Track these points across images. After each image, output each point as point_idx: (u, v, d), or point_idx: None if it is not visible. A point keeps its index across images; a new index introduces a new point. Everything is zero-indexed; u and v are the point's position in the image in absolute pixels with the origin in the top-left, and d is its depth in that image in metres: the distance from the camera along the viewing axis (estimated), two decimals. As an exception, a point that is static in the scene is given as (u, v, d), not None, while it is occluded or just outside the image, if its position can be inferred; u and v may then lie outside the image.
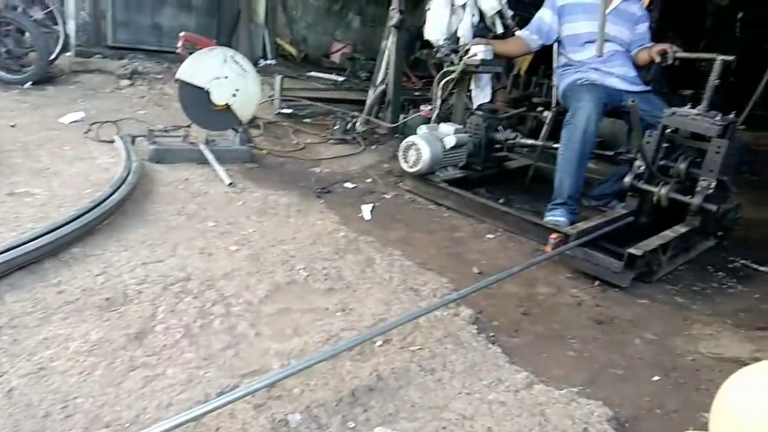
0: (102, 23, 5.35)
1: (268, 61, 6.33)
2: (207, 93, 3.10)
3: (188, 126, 3.27)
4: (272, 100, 4.50)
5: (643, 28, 3.20)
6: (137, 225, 2.30)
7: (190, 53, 3.14)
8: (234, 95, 3.15)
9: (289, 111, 4.46)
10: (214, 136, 3.30)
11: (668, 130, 2.62)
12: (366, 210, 2.84)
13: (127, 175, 2.61)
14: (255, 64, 5.92)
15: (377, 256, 2.33)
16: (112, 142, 3.23)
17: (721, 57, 2.53)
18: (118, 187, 2.45)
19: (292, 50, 6.94)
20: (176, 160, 3.06)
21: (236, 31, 6.22)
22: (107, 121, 3.60)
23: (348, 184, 3.20)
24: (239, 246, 2.24)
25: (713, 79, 2.53)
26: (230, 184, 2.85)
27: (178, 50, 3.23)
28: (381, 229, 2.66)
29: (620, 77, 3.08)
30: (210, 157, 3.04)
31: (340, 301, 1.95)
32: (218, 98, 3.12)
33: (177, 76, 3.08)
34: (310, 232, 2.48)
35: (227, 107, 3.16)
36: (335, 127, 4.09)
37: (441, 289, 2.13)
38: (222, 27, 6.10)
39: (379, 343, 1.73)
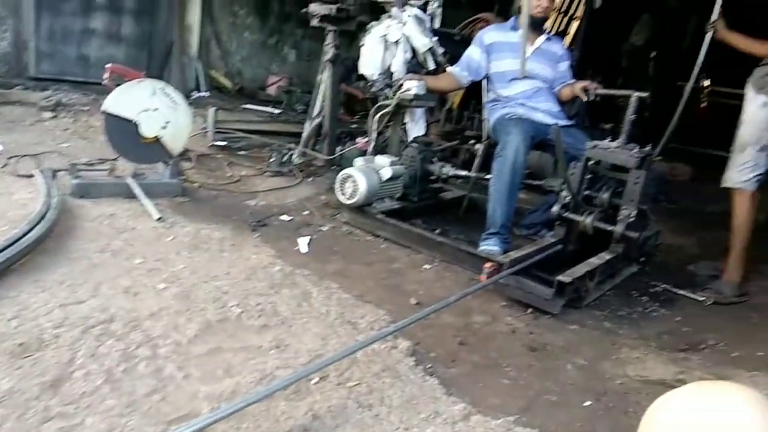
0: (24, 54, 5.12)
1: (202, 94, 6.22)
2: (135, 125, 3.01)
3: (115, 159, 3.15)
4: (205, 132, 4.42)
5: (565, 66, 3.39)
6: (57, 264, 2.16)
7: (118, 85, 3.05)
8: (164, 127, 3.07)
9: (223, 143, 4.38)
10: (143, 170, 3.18)
11: (591, 162, 2.76)
12: (302, 243, 2.81)
13: (47, 211, 2.47)
14: (188, 96, 5.83)
15: (314, 290, 2.30)
16: (31, 176, 3.06)
17: (636, 94, 2.71)
18: (36, 224, 2.30)
19: (227, 83, 6.87)
20: (101, 194, 2.93)
21: (168, 64, 6.10)
22: (26, 155, 3.41)
23: (284, 217, 3.16)
24: (168, 283, 2.15)
25: (630, 114, 2.70)
26: (159, 218, 2.74)
27: (105, 82, 3.12)
28: (318, 261, 2.63)
29: (545, 112, 3.23)
30: (138, 191, 2.93)
31: (274, 338, 1.89)
32: (147, 131, 3.04)
33: (103, 108, 2.97)
34: (245, 266, 2.42)
35: (157, 140, 3.07)
36: (271, 160, 4.05)
37: (379, 322, 2.12)
38: (153, 59, 5.97)
39: (315, 380, 1.69)
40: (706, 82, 7.56)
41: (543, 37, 3.34)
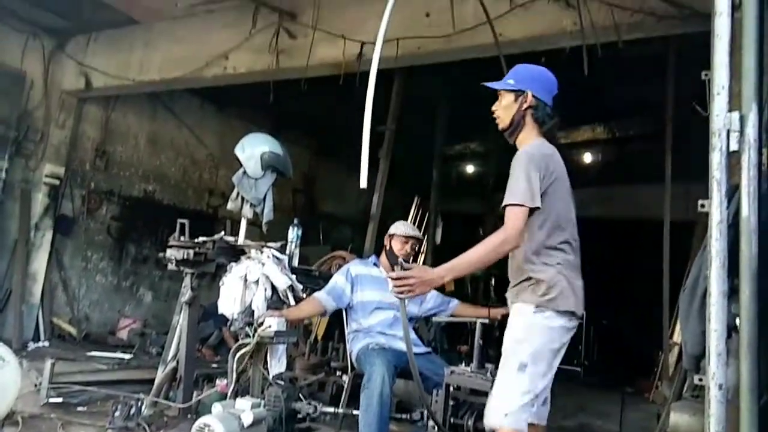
0: None
1: (41, 344, 5.66)
2: (-53, 390, 2.60)
3: None
4: (38, 389, 3.90)
5: (434, 295, 3.60)
6: None
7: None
8: (-15, 390, 2.69)
9: (59, 400, 3.88)
10: (-51, 444, 2.67)
11: (452, 388, 2.83)
12: None
13: None
14: (23, 347, 5.26)
15: None
16: None
17: (479, 320, 2.96)
18: None
19: (72, 329, 6.37)
20: None
21: (3, 313, 5.59)
22: None
23: (126, 485, 2.73)
24: None
25: (478, 339, 2.90)
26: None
27: None
28: None
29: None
30: (-63, 473, 2.41)
31: None
32: (-38, 395, 2.63)
33: None
34: None
35: (-26, 405, 2.66)
36: (116, 414, 3.61)
37: None
38: (-15, 311, 5.46)
39: None
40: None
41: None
